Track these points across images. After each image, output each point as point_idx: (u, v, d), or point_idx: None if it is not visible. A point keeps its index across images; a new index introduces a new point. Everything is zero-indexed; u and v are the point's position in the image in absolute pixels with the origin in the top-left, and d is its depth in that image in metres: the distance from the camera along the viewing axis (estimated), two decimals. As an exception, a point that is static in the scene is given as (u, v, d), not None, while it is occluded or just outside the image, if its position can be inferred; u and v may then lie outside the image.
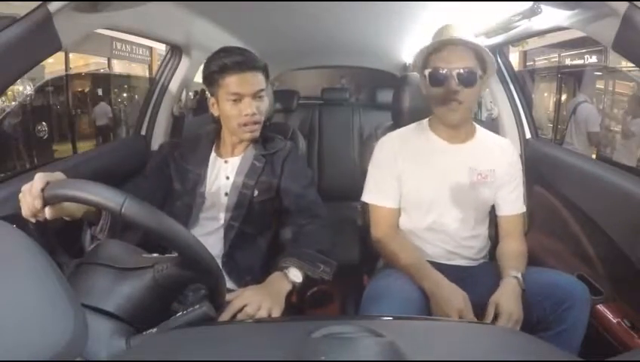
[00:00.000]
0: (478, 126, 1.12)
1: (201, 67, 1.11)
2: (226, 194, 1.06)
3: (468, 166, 1.05)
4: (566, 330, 0.88)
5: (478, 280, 1.00)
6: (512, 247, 1.05)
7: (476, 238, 1.09)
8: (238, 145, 1.09)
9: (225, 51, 1.01)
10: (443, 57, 0.98)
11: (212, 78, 1.01)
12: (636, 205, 0.90)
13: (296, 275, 0.88)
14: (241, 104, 1.00)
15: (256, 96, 1.01)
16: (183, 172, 1.08)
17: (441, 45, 0.99)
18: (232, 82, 0.99)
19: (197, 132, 1.16)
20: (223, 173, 1.07)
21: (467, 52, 0.98)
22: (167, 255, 0.60)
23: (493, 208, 1.11)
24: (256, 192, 1.05)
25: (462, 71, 0.96)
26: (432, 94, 1.02)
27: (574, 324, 0.88)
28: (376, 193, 1.09)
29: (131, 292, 0.56)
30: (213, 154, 1.09)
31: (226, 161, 1.08)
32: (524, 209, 1.11)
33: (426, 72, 1.01)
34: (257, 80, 1.01)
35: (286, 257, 0.91)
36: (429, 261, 1.01)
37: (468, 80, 0.97)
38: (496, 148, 1.09)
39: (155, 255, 0.62)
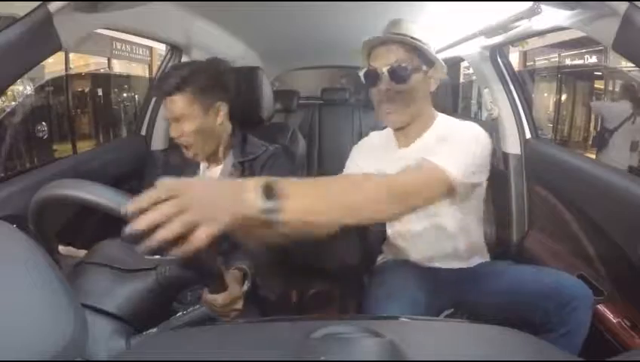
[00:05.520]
0: (440, 116, 1.03)
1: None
2: None
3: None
4: (569, 332, 0.87)
5: (475, 281, 0.99)
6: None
7: (460, 236, 1.02)
8: (214, 154, 1.08)
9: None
10: (375, 55, 0.94)
11: None
12: (636, 205, 0.90)
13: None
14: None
15: (175, 120, 0.99)
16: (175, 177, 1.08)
17: (375, 45, 0.94)
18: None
19: None
20: None
21: (401, 47, 0.93)
22: (169, 257, 0.60)
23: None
24: None
25: (392, 66, 0.91)
26: (371, 97, 0.96)
27: (577, 326, 0.87)
28: None
29: (132, 292, 0.56)
30: (203, 163, 1.10)
31: (208, 168, 1.09)
32: (449, 168, 0.77)
33: (360, 73, 0.95)
34: (175, 105, 0.97)
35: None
36: (421, 265, 0.99)
37: (399, 75, 0.91)
38: (451, 133, 0.93)
39: (156, 256, 0.62)
